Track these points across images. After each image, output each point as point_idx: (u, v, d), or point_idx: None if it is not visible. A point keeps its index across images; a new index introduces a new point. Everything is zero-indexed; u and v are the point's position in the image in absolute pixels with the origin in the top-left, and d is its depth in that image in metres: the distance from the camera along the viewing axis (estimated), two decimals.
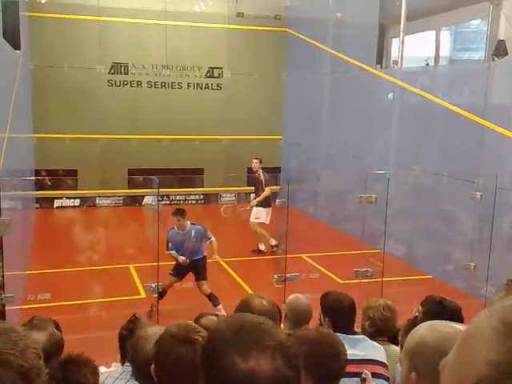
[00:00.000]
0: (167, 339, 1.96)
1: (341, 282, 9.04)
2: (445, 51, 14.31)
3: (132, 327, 3.24)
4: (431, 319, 3.53)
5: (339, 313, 3.56)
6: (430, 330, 1.42)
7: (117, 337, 3.38)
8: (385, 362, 3.43)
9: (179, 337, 1.95)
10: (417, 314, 3.82)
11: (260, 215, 11.04)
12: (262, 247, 11.11)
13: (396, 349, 3.72)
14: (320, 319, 4.27)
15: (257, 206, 11.07)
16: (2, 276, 5.70)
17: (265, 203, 10.96)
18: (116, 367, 3.26)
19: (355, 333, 3.55)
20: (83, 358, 2.55)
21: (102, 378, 2.78)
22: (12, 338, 1.36)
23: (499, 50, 9.62)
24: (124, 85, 15.34)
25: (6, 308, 5.64)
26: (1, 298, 5.57)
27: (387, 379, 3.34)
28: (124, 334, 3.28)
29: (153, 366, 1.95)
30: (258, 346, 1.12)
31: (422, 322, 3.57)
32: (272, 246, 10.98)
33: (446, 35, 14.35)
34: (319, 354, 2.47)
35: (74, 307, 8.22)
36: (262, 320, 1.21)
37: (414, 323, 2.96)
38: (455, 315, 3.62)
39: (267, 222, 11.03)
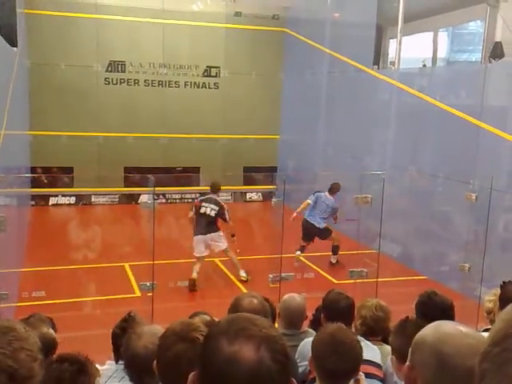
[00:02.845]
0: (169, 335, 2.01)
1: (336, 281, 9.04)
2: (442, 52, 14.36)
3: (126, 326, 3.24)
4: (422, 313, 3.61)
5: (334, 312, 3.61)
6: (434, 328, 1.46)
7: (110, 335, 3.38)
8: (379, 362, 3.45)
9: (181, 334, 1.99)
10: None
11: None
12: None
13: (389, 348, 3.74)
14: (313, 315, 4.31)
15: None
16: None
17: None
18: (110, 365, 3.26)
19: None
20: (81, 359, 2.54)
21: None
22: (7, 338, 1.36)
23: (496, 51, 9.64)
24: (121, 83, 15.31)
25: (1, 305, 5.64)
26: None
27: (381, 380, 3.35)
28: (117, 333, 3.28)
29: (155, 360, 1.97)
30: (245, 333, 1.15)
31: (416, 317, 3.62)
32: None
33: (443, 37, 14.40)
34: None
35: (69, 305, 8.20)
36: (257, 317, 1.23)
37: (404, 324, 2.98)
38: (444, 308, 3.67)
39: None
